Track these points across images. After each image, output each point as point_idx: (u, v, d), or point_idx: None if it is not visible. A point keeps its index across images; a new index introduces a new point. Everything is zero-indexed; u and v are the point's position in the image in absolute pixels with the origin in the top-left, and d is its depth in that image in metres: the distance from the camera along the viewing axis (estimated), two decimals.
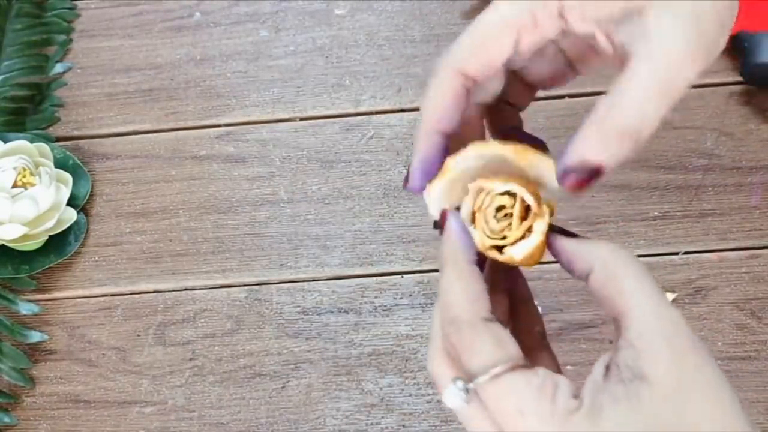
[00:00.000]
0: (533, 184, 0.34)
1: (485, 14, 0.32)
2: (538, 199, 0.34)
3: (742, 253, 0.59)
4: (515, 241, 0.34)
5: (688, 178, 0.61)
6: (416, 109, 0.66)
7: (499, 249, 0.34)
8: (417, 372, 0.57)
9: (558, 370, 0.38)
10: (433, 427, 0.55)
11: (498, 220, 0.34)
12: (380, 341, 0.58)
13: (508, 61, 0.33)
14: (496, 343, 0.31)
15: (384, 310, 0.59)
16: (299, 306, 0.60)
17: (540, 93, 0.38)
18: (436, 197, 0.35)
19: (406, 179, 0.35)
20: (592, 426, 0.29)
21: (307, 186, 0.64)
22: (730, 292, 0.57)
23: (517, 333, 0.39)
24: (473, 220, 0.34)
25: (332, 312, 0.59)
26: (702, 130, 0.63)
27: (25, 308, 0.61)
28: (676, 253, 0.59)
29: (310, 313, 0.59)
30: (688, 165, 0.62)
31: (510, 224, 0.34)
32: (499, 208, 0.34)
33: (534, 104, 0.39)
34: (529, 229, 0.34)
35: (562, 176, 0.31)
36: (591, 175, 0.31)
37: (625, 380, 0.30)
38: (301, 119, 0.67)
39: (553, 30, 0.32)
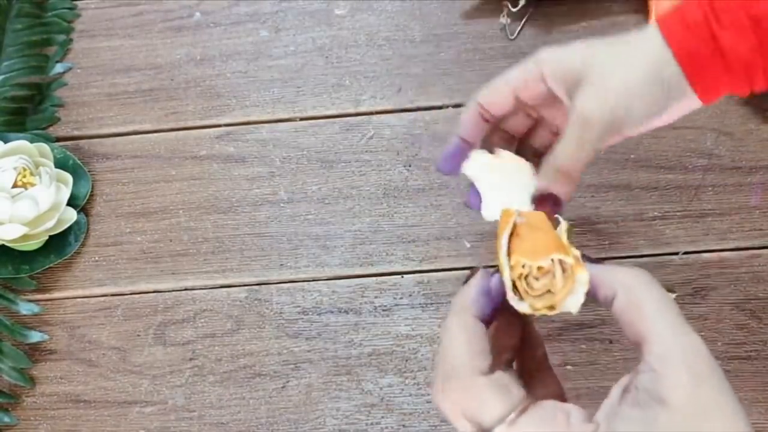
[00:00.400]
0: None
1: (508, 70, 0.45)
2: (574, 255, 0.36)
3: (742, 253, 0.59)
4: (563, 297, 0.35)
5: (687, 178, 0.61)
6: (416, 109, 0.66)
7: (549, 307, 0.36)
8: (417, 372, 0.57)
9: (560, 389, 0.39)
10: (433, 427, 0.55)
11: (538, 279, 0.36)
12: (380, 341, 0.58)
13: (514, 104, 0.46)
14: (502, 392, 0.33)
15: (384, 310, 0.59)
16: (299, 306, 0.60)
17: None
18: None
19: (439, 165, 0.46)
20: None
21: (307, 186, 0.64)
22: (730, 292, 0.57)
23: (522, 357, 0.39)
24: (515, 288, 0.36)
25: (332, 312, 0.59)
26: (702, 130, 0.63)
27: (25, 308, 0.61)
28: (676, 253, 0.59)
29: (310, 313, 0.59)
30: (687, 165, 0.62)
31: (551, 279, 0.35)
32: (539, 268, 0.36)
33: None
34: (572, 283, 0.35)
35: (535, 205, 0.44)
36: (553, 201, 0.43)
37: (641, 403, 0.30)
38: (301, 119, 0.67)
39: (538, 88, 0.44)
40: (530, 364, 0.39)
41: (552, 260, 0.35)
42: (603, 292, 0.35)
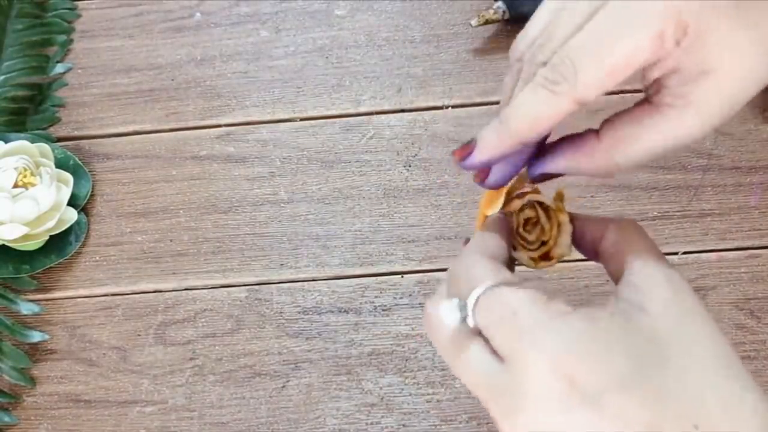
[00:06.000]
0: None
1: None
2: (559, 196, 0.37)
3: (741, 253, 0.59)
4: (555, 242, 0.36)
5: (687, 178, 0.61)
6: (416, 109, 0.66)
7: (546, 257, 0.36)
8: (417, 372, 0.57)
9: None
10: (433, 427, 0.55)
11: (530, 232, 0.37)
12: (380, 341, 0.58)
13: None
14: (492, 268, 0.31)
15: (384, 310, 0.59)
16: (299, 306, 0.60)
17: None
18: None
19: (464, 153, 0.35)
20: (589, 324, 0.28)
21: (307, 186, 0.64)
22: (729, 292, 0.57)
23: None
24: (513, 247, 0.37)
25: (332, 312, 0.59)
26: None
27: (25, 308, 0.61)
28: (676, 253, 0.59)
29: (310, 313, 0.59)
30: (687, 165, 0.62)
31: (542, 231, 0.36)
32: (527, 222, 0.37)
33: None
34: (558, 226, 0.36)
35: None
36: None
37: (621, 311, 0.29)
38: (302, 119, 0.67)
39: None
40: None
41: (531, 206, 0.36)
42: (591, 234, 0.34)
